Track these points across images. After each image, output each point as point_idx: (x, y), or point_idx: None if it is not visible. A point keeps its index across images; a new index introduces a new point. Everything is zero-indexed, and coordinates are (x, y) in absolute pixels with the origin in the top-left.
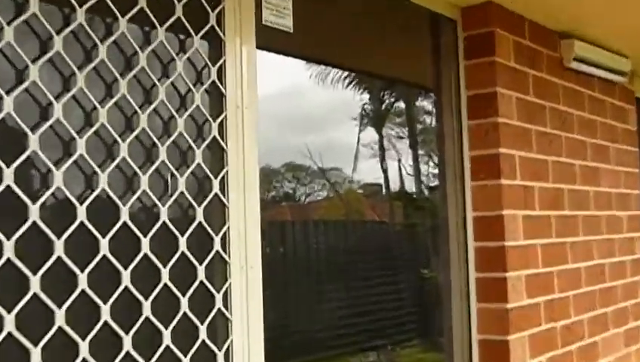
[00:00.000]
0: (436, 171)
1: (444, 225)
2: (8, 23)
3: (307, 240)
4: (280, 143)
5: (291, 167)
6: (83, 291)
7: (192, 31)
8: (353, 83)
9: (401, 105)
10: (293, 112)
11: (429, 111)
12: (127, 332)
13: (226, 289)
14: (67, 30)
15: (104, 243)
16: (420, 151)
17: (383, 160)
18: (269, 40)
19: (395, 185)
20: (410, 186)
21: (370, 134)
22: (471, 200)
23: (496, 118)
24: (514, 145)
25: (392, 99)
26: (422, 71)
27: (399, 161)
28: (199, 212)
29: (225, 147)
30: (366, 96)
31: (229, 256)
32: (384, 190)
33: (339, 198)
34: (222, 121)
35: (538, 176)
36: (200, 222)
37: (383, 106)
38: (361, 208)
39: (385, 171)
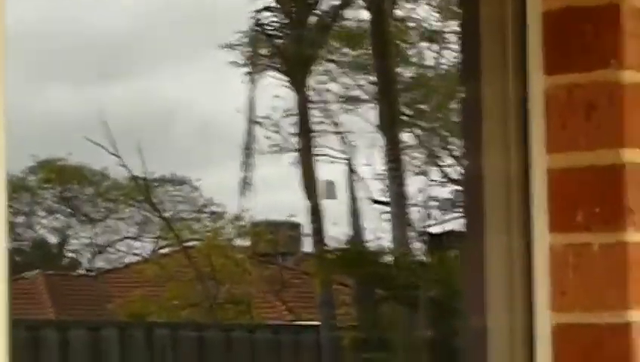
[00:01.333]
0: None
1: (475, 344)
2: None
3: None
4: (28, 109)
5: (57, 172)
6: None
7: None
8: None
9: (363, 17)
10: (73, 36)
11: (448, 45)
12: None
13: None
14: None
15: None
16: (416, 150)
17: (306, 162)
18: None
19: (337, 229)
20: (382, 234)
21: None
22: (549, 283)
23: (619, 70)
24: None
25: (343, 4)
26: None
27: (350, 166)
28: None
29: None
30: None
31: None
32: (310, 241)
33: (185, 262)
34: None
35: None
36: None
37: (315, 18)
38: (246, 290)
39: (311, 190)
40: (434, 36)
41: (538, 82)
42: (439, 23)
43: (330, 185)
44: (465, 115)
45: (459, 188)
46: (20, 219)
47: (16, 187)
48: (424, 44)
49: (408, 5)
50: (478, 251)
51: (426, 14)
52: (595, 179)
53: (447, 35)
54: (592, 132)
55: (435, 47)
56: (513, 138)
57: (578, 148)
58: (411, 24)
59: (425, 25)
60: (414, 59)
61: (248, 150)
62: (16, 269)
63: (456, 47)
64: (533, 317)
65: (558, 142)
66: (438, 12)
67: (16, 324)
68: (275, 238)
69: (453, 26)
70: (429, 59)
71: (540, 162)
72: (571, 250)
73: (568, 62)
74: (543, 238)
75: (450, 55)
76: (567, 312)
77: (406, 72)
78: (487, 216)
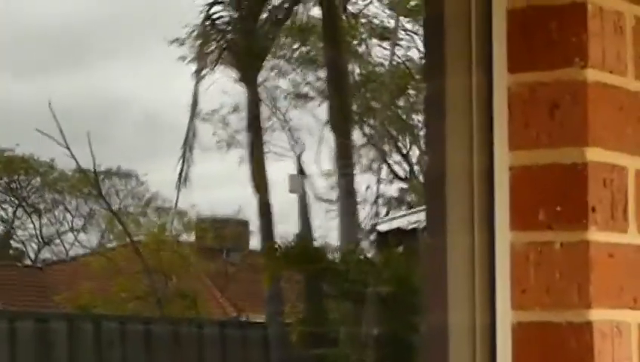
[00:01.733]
0: (408, 199)
1: (434, 341)
2: None
3: None
4: None
5: (4, 162)
6: None
7: None
8: None
9: (314, 13)
10: (22, 27)
11: (399, 42)
12: None
13: None
14: None
15: None
16: (365, 148)
17: (256, 158)
18: None
19: (285, 225)
20: (329, 230)
21: (224, 87)
22: (509, 280)
23: (583, 68)
24: (625, 143)
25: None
26: None
27: (300, 163)
28: None
29: None
30: None
31: None
32: (257, 237)
33: (132, 256)
34: None
35: None
36: None
37: (266, 13)
38: (192, 285)
39: (260, 186)
40: (385, 33)
41: (502, 79)
42: (391, 20)
43: (296, 178)
44: (428, 110)
45: (405, 186)
46: None
47: None
48: (375, 41)
49: (360, 2)
50: (439, 248)
51: (378, 11)
52: (558, 178)
53: (399, 33)
54: (556, 130)
55: (386, 44)
56: (476, 135)
57: (541, 146)
58: (362, 20)
59: (376, 21)
60: (365, 56)
61: (188, 145)
62: None
63: (408, 44)
64: (495, 314)
65: (521, 139)
66: (390, 9)
67: None
68: (221, 234)
69: (405, 22)
70: (380, 56)
71: (503, 159)
72: (533, 248)
73: (532, 60)
74: (504, 236)
75: (401, 52)
76: (527, 310)
77: (356, 69)
78: (448, 212)
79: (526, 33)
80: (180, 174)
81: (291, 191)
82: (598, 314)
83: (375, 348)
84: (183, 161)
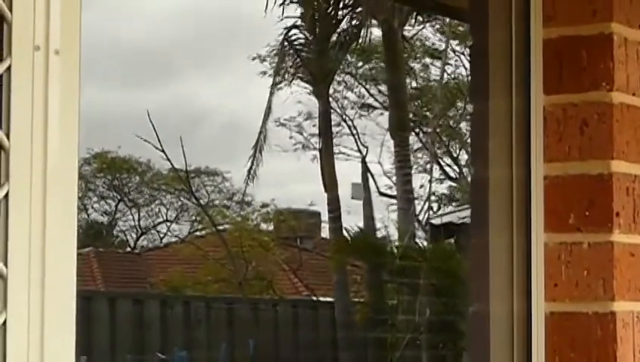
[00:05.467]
0: (458, 196)
1: (479, 327)
2: None
3: (141, 341)
4: (86, 108)
5: (108, 163)
6: None
7: None
8: None
9: (377, 36)
10: (122, 46)
11: (449, 62)
12: None
13: None
14: None
15: None
16: (420, 151)
17: (326, 159)
18: None
19: (352, 218)
20: (389, 223)
21: (299, 98)
22: (543, 275)
23: (609, 91)
24: None
25: (359, 24)
26: None
27: (364, 163)
28: None
29: (4, 139)
30: (295, 12)
31: None
32: (327, 228)
33: (218, 243)
34: None
35: None
36: None
37: (335, 36)
38: (270, 269)
39: (330, 184)
40: (436, 53)
41: (538, 100)
42: (442, 43)
43: (358, 186)
44: (474, 127)
45: (455, 185)
46: (77, 203)
47: None
48: (428, 60)
49: (416, 26)
50: (483, 247)
51: (431, 34)
52: (587, 186)
53: (449, 53)
54: (585, 145)
55: (438, 63)
56: (515, 148)
57: (572, 159)
58: (418, 43)
59: (428, 43)
60: (421, 73)
61: (258, 147)
62: None
63: (456, 63)
64: (530, 305)
65: (555, 152)
66: (442, 32)
67: None
68: (296, 224)
69: (455, 45)
70: (434, 73)
71: (538, 170)
72: (564, 247)
73: (565, 83)
74: (539, 237)
75: (451, 70)
76: (558, 302)
77: (413, 84)
78: (491, 216)
79: (560, 60)
80: (249, 171)
81: (353, 197)
82: (620, 306)
83: (427, 332)
84: (253, 160)
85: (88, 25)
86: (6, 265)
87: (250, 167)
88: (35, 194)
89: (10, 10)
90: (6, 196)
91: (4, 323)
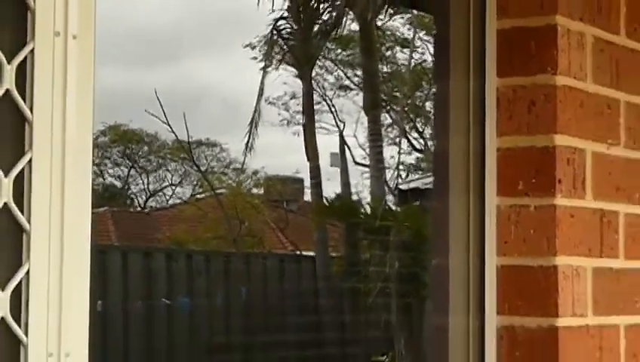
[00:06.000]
0: (423, 165)
1: (440, 278)
2: None
3: (149, 288)
4: (101, 86)
5: (121, 134)
6: None
7: None
8: None
9: (353, 27)
10: (133, 31)
11: (416, 49)
12: None
13: None
14: None
15: None
16: (390, 127)
17: (309, 133)
18: None
19: (331, 184)
20: (363, 189)
21: (285, 80)
22: (495, 233)
23: (553, 75)
24: (584, 132)
25: (338, 16)
26: None
27: (342, 137)
28: None
29: (28, 113)
30: (283, 5)
31: (28, 334)
32: (309, 192)
33: (216, 205)
34: (23, 62)
35: (629, 192)
36: None
37: (317, 27)
38: (260, 227)
39: (312, 154)
40: (405, 42)
41: (492, 83)
42: (410, 32)
43: (336, 155)
44: (437, 105)
45: (421, 155)
46: (94, 169)
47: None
48: (398, 48)
49: (388, 18)
50: (444, 209)
51: (400, 25)
52: (533, 157)
53: (416, 41)
54: (532, 121)
55: (407, 50)
56: (472, 124)
57: (521, 133)
58: (389, 32)
59: (398, 33)
60: (391, 59)
61: (253, 123)
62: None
63: (422, 50)
64: (484, 258)
65: (506, 128)
66: (410, 23)
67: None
68: (283, 189)
69: (421, 34)
70: (403, 59)
71: (492, 143)
72: (513, 210)
73: (516, 68)
74: (492, 200)
75: (418, 56)
76: (508, 256)
77: (385, 68)
78: (451, 182)
79: (511, 48)
80: (247, 144)
81: (332, 165)
82: (561, 260)
83: (396, 282)
84: (249, 135)
85: (102, 11)
86: (29, 222)
87: (248, 141)
88: (54, 161)
89: None
90: (29, 162)
91: (28, 272)
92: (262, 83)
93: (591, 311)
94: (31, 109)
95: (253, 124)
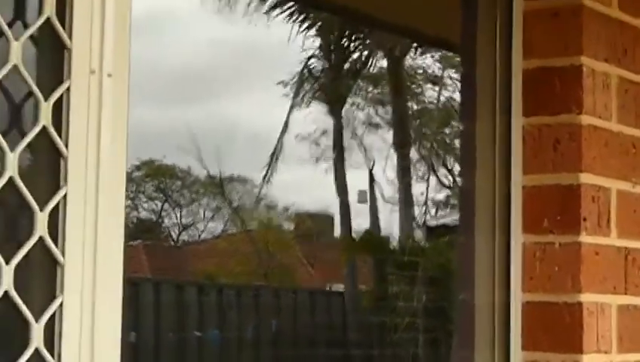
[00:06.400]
0: (451, 202)
1: (465, 313)
2: None
3: (181, 321)
4: (135, 123)
5: (155, 169)
6: None
7: None
8: (289, 14)
9: (383, 65)
10: (163, 64)
11: (445, 87)
12: None
13: None
14: None
15: None
16: (419, 163)
17: (339, 170)
18: None
19: (360, 220)
20: (392, 224)
21: (315, 117)
22: (521, 270)
23: (578, 114)
24: (609, 170)
25: (368, 55)
26: (436, 11)
27: (371, 172)
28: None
29: (63, 148)
30: (314, 43)
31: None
32: (339, 228)
33: (247, 239)
34: (60, 100)
35: None
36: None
37: (348, 64)
38: (290, 262)
39: (341, 190)
40: (434, 80)
41: (518, 121)
42: (439, 71)
43: (363, 192)
44: (464, 143)
45: (449, 192)
46: (128, 203)
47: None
48: (427, 86)
49: (417, 56)
50: (470, 245)
51: (429, 64)
52: (559, 195)
53: (444, 80)
54: (557, 159)
55: (435, 88)
56: (498, 162)
57: (546, 171)
58: (418, 71)
59: (428, 71)
60: (420, 97)
61: (274, 156)
62: (124, 239)
63: (450, 88)
64: (510, 294)
65: (532, 166)
66: (439, 62)
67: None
68: (313, 224)
69: (450, 73)
70: (431, 97)
71: (518, 180)
72: (538, 247)
73: (541, 107)
74: (518, 237)
75: (446, 94)
76: (533, 293)
77: (414, 106)
78: (477, 219)
79: (536, 87)
80: (264, 176)
81: (359, 202)
82: (586, 297)
83: (423, 317)
84: (269, 168)
85: (137, 51)
86: (63, 255)
87: (266, 174)
88: (88, 196)
89: (70, 38)
90: (64, 197)
91: (61, 304)
92: (287, 118)
93: (615, 348)
94: (66, 145)
95: (274, 157)
